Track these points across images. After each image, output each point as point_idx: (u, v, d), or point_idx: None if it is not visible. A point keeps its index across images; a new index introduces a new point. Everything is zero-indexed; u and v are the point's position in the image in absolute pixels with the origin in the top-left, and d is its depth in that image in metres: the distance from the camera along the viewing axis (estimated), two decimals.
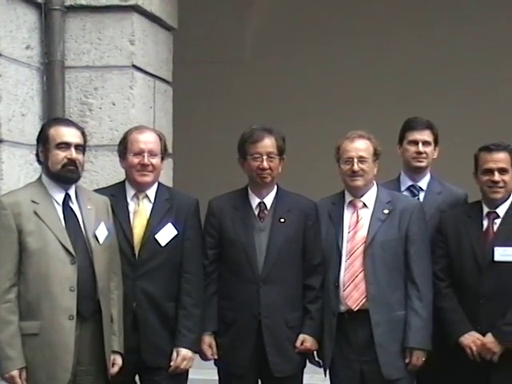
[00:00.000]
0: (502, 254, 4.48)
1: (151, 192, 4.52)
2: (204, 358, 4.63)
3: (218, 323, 4.58)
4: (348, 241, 4.58)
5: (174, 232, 4.46)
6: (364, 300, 4.51)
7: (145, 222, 4.45)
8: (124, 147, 4.51)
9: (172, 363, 4.42)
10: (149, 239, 4.41)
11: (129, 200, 4.50)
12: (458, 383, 4.66)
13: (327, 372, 4.67)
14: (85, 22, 5.54)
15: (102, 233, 4.16)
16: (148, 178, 4.46)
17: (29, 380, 3.95)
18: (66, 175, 4.08)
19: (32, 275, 3.95)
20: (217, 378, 4.72)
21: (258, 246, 4.53)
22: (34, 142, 4.25)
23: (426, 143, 4.92)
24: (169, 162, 5.61)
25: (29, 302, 3.95)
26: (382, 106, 9.10)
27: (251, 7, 9.67)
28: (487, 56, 9.33)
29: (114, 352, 4.21)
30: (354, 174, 4.54)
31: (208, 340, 4.57)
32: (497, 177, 4.53)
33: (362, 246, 4.54)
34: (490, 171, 4.54)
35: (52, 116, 5.30)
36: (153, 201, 4.51)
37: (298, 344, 4.56)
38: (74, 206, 4.14)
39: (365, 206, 4.63)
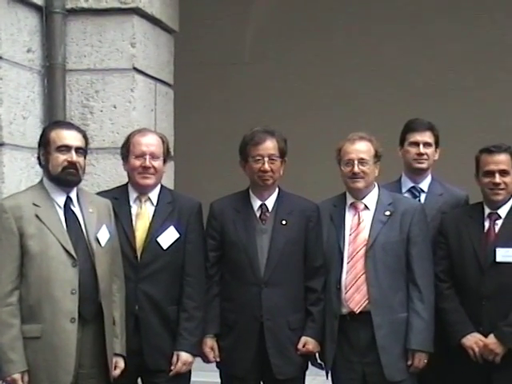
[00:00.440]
0: (504, 254, 4.48)
1: (154, 195, 4.52)
2: (206, 360, 4.62)
3: (219, 325, 4.58)
4: (349, 243, 4.57)
5: (176, 235, 4.46)
6: (366, 302, 4.50)
7: (147, 225, 4.45)
8: (126, 150, 4.52)
9: (172, 367, 4.42)
10: (151, 242, 4.41)
11: (131, 203, 4.50)
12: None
13: (329, 374, 4.66)
14: (86, 24, 5.54)
15: (104, 235, 4.16)
16: (150, 181, 4.46)
17: (31, 383, 3.94)
18: (67, 178, 4.08)
19: (33, 278, 3.95)
20: (219, 380, 4.72)
21: (259, 248, 4.53)
22: (36, 145, 4.25)
23: (426, 145, 4.92)
24: (170, 164, 5.60)
25: (30, 305, 3.95)
26: (383, 108, 9.11)
27: (250, 9, 9.67)
28: (489, 57, 9.33)
29: (117, 355, 4.21)
30: (354, 175, 4.54)
31: (210, 342, 4.57)
32: (498, 179, 4.53)
33: (364, 248, 4.54)
34: (491, 173, 4.54)
35: (53, 119, 5.30)
36: (155, 203, 4.51)
37: (299, 346, 4.55)
38: (76, 208, 4.14)
39: (366, 207, 4.63)
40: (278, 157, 4.53)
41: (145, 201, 4.50)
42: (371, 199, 4.64)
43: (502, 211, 4.60)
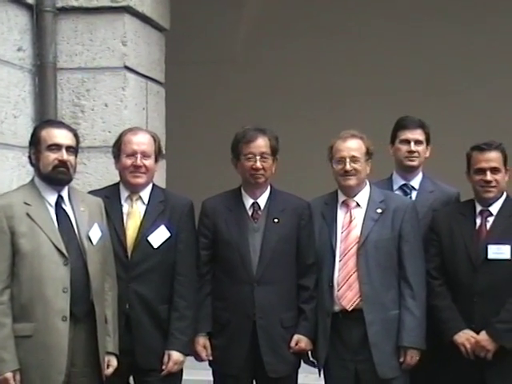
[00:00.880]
0: (496, 251, 4.49)
1: (145, 194, 4.52)
2: (199, 359, 4.62)
3: (212, 324, 4.58)
4: (341, 241, 4.58)
5: (167, 234, 4.45)
6: (358, 300, 4.51)
7: (138, 224, 4.45)
8: (118, 149, 4.52)
9: (164, 367, 4.41)
10: (141, 241, 4.41)
11: (122, 201, 4.50)
12: (453, 381, 4.66)
13: (322, 372, 4.67)
14: (76, 23, 5.52)
15: (96, 234, 4.15)
16: (141, 180, 4.46)
17: (22, 382, 3.93)
18: (58, 177, 4.08)
19: (25, 277, 3.94)
20: (211, 378, 4.72)
21: (251, 247, 4.53)
22: (27, 144, 4.25)
23: (417, 142, 4.92)
24: (162, 163, 5.59)
25: (22, 303, 3.94)
26: (375, 106, 9.11)
27: (243, 8, 9.66)
28: (479, 54, 9.34)
29: (109, 353, 4.20)
30: (346, 173, 4.54)
31: (202, 341, 4.57)
32: (489, 176, 4.54)
33: (356, 245, 4.55)
34: (483, 171, 4.55)
35: (44, 118, 5.28)
36: (146, 202, 4.51)
37: (292, 344, 4.56)
38: (67, 207, 4.14)
39: (358, 205, 4.64)
40: (269, 155, 4.53)
41: (136, 200, 4.50)
42: (363, 197, 4.65)
43: (494, 208, 4.60)
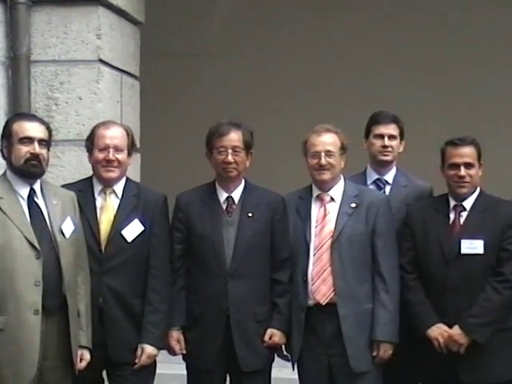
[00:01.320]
0: (469, 246, 4.51)
1: (119, 187, 4.51)
2: (172, 352, 4.62)
3: (185, 318, 4.57)
4: (316, 235, 4.59)
5: (141, 228, 4.44)
6: (332, 294, 4.52)
7: (111, 218, 4.44)
8: (91, 142, 4.51)
9: (137, 360, 4.41)
10: (115, 235, 4.40)
11: (96, 195, 4.49)
12: (425, 375, 4.70)
13: (295, 366, 4.68)
14: (50, 15, 5.47)
15: (68, 227, 4.13)
16: (113, 174, 4.45)
17: None
18: (29, 170, 4.06)
19: None
20: (185, 372, 4.71)
21: (226, 241, 4.54)
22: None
23: (391, 137, 4.94)
24: (136, 156, 5.57)
25: None
26: (349, 100, 9.11)
27: (218, 1, 9.64)
28: (453, 49, 9.38)
29: (82, 347, 4.19)
30: (321, 167, 4.55)
31: (176, 335, 4.57)
32: (463, 172, 4.55)
33: (330, 240, 4.56)
34: (456, 166, 4.56)
35: (18, 111, 5.23)
36: (120, 196, 4.50)
37: (266, 338, 4.56)
38: (40, 200, 4.11)
39: (332, 200, 4.65)
40: (242, 149, 4.53)
41: (109, 193, 4.49)
42: (337, 191, 4.66)
43: (467, 203, 4.62)
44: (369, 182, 4.98)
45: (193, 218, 4.59)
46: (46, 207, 4.10)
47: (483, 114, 9.15)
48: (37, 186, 4.12)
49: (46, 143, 4.14)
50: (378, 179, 4.98)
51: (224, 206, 4.60)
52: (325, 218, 4.61)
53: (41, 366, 3.97)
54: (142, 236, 4.44)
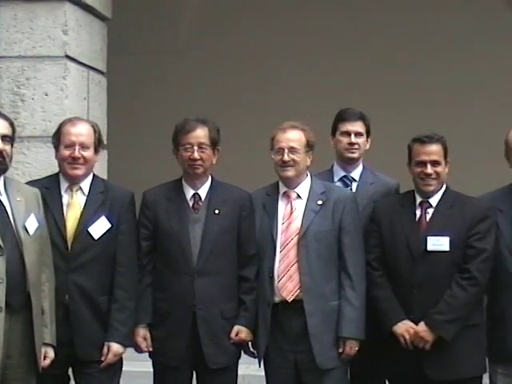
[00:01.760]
0: (435, 243, 4.53)
1: (85, 184, 4.48)
2: (138, 350, 4.61)
3: (152, 315, 4.57)
4: (282, 232, 4.60)
5: (108, 225, 4.43)
6: (298, 291, 4.53)
7: (78, 215, 4.42)
8: (57, 139, 4.49)
9: (103, 358, 4.39)
10: (82, 232, 4.37)
11: (62, 192, 4.46)
12: (392, 371, 4.72)
13: (262, 362, 4.68)
14: (16, 11, 5.41)
15: (32, 224, 4.09)
16: (79, 171, 4.42)
17: None
18: None
19: None
20: (151, 370, 4.70)
21: (192, 238, 4.53)
22: None
23: (358, 134, 4.96)
24: (103, 153, 5.54)
25: None
26: (318, 97, 9.14)
27: None
28: (420, 46, 9.44)
29: (46, 344, 4.16)
30: (284, 164, 4.56)
31: (142, 332, 4.56)
32: (429, 169, 4.57)
33: (296, 236, 4.56)
34: (423, 163, 4.58)
35: None
36: (87, 193, 4.48)
37: (232, 335, 4.57)
38: (3, 197, 4.07)
39: (299, 196, 4.66)
40: (208, 146, 4.53)
41: (76, 190, 4.46)
42: (304, 188, 4.66)
43: (434, 200, 4.64)
44: (336, 179, 5.00)
45: (159, 214, 4.58)
46: (10, 204, 4.06)
47: (448, 112, 9.22)
48: (0, 183, 4.09)
49: (10, 139, 4.10)
50: (344, 176, 5.00)
51: (190, 203, 4.59)
52: (291, 215, 4.62)
53: (4, 364, 3.94)
54: (108, 233, 4.42)
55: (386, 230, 4.66)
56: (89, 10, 5.70)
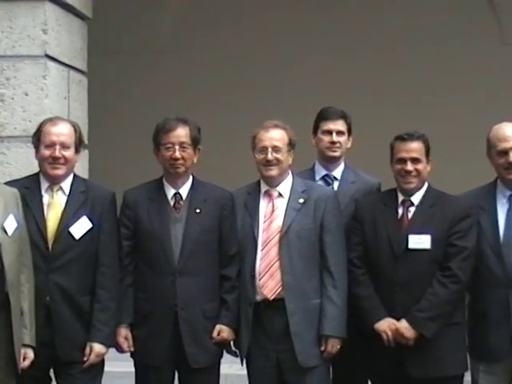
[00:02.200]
0: (416, 241, 4.53)
1: (66, 184, 4.47)
2: (120, 350, 4.59)
3: (134, 315, 4.55)
4: (264, 230, 4.59)
5: (89, 225, 4.41)
6: (280, 289, 4.53)
7: (59, 215, 4.40)
8: (37, 139, 4.47)
9: (85, 358, 4.37)
10: (63, 232, 4.36)
11: (43, 192, 4.44)
12: (374, 369, 4.73)
13: (244, 361, 4.68)
14: None
15: (11, 225, 4.08)
16: (59, 171, 4.41)
17: None
18: None
19: None
20: (133, 370, 4.68)
21: (173, 237, 4.52)
22: None
23: (339, 133, 4.96)
24: (84, 153, 5.52)
25: None
26: (299, 96, 9.15)
27: None
28: (403, 43, 9.47)
29: (26, 345, 4.14)
30: (268, 163, 4.56)
31: (124, 332, 4.54)
32: (409, 166, 4.57)
33: (278, 235, 4.56)
34: (403, 160, 4.58)
35: None
36: (67, 193, 4.46)
37: (214, 334, 4.56)
38: None
39: (280, 195, 4.66)
40: (189, 145, 4.52)
41: (57, 190, 4.45)
42: (285, 187, 4.66)
43: (415, 198, 4.64)
44: (317, 177, 4.99)
45: (140, 214, 4.57)
46: None
47: (430, 111, 9.25)
48: None
49: None
50: (326, 175, 5.00)
51: (172, 203, 4.59)
52: (273, 214, 4.62)
53: None
54: (90, 233, 4.41)
55: (368, 227, 4.66)
56: (68, 9, 5.67)
